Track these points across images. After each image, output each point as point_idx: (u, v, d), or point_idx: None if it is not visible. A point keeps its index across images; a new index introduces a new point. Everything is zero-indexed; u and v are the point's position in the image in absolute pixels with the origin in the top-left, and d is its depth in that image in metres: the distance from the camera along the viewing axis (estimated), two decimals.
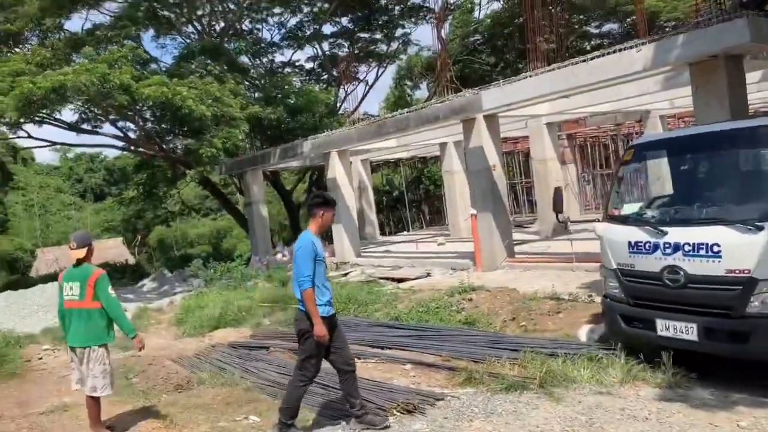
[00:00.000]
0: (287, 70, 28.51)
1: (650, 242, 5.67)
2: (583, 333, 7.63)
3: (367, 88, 30.77)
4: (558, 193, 6.91)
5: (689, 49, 9.56)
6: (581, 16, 32.65)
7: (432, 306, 9.87)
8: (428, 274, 14.27)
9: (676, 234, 5.51)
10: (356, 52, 29.02)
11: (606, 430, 4.65)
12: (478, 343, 7.61)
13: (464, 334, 8.09)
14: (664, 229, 5.60)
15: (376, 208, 25.26)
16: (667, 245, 5.53)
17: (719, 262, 5.17)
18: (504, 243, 13.72)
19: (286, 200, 27.90)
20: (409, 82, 33.03)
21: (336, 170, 17.86)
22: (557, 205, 6.81)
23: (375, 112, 31.87)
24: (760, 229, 4.98)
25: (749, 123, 6.13)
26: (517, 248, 14.30)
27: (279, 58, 31.98)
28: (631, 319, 5.94)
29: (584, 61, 11.32)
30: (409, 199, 29.34)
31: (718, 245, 5.18)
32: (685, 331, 5.38)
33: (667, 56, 9.86)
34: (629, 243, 5.87)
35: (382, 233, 26.59)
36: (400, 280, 13.96)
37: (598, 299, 9.28)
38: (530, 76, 12.42)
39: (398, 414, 5.42)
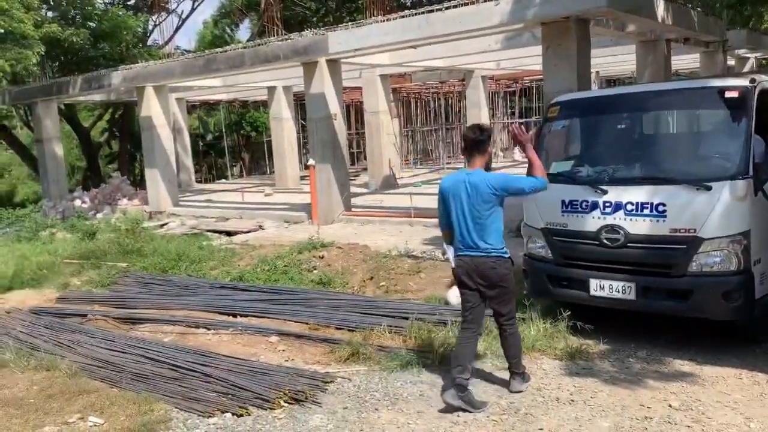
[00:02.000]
0: None
1: (588, 201, 5.40)
2: (452, 295, 7.25)
3: (181, 21, 27.89)
4: None
5: (546, 8, 9.49)
6: None
7: (279, 264, 8.93)
8: (261, 227, 13.27)
9: (617, 193, 5.27)
10: None
11: (536, 417, 4.19)
12: (345, 307, 6.89)
13: (327, 297, 7.29)
14: (604, 188, 5.33)
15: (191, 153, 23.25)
16: (607, 204, 5.29)
17: (664, 221, 5.03)
18: (342, 196, 13.14)
19: (83, 139, 24.51)
20: (228, 20, 30.58)
21: (152, 108, 15.77)
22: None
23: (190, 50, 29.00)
24: (708, 189, 4.89)
25: (698, 83, 5.98)
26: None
27: None
28: (560, 279, 5.68)
29: (440, 10, 10.87)
30: (228, 145, 27.43)
31: (664, 205, 5.03)
32: (622, 290, 5.22)
33: (524, 13, 9.71)
34: (563, 202, 5.55)
35: (198, 181, 24.70)
36: (230, 234, 12.80)
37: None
38: (381, 21, 11.70)
39: (286, 405, 4.50)
